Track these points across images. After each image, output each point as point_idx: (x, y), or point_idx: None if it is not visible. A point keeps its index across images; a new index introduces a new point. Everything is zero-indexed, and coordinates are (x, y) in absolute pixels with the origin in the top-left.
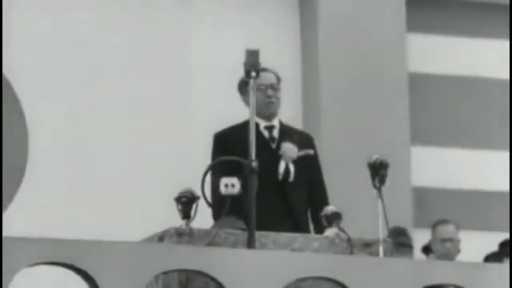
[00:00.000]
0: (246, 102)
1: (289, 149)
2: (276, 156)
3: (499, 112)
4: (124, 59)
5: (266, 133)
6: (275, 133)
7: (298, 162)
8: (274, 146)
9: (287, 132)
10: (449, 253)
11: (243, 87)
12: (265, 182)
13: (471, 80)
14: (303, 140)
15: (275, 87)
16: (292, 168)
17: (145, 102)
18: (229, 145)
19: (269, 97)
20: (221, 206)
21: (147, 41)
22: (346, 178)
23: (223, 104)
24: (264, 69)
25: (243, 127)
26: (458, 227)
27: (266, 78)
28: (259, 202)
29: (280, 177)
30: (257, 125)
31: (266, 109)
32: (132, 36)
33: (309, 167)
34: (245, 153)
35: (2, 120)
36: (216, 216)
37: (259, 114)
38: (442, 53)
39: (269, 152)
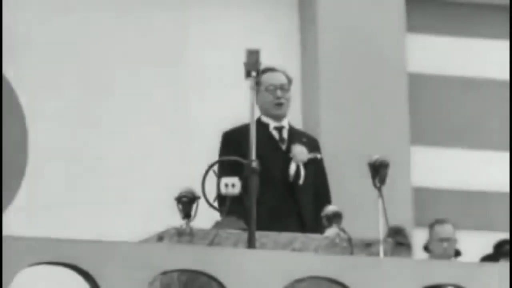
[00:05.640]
0: (256, 101)
1: (300, 151)
2: (285, 158)
3: (499, 112)
4: (123, 58)
5: (276, 134)
6: (285, 134)
7: (306, 164)
8: (284, 147)
9: (296, 134)
10: (447, 253)
11: (255, 86)
12: (274, 183)
13: (471, 80)
14: (311, 142)
15: (284, 88)
16: (302, 170)
17: (144, 101)
18: (238, 144)
19: (278, 98)
20: (222, 206)
21: (145, 40)
22: (346, 178)
23: (223, 104)
24: (274, 69)
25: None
26: (455, 226)
27: (276, 78)
28: (267, 203)
29: (290, 179)
30: (267, 126)
31: (275, 110)
32: (130, 35)
33: (316, 170)
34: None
35: (2, 120)
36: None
37: (269, 114)
38: (442, 53)
39: (279, 153)
